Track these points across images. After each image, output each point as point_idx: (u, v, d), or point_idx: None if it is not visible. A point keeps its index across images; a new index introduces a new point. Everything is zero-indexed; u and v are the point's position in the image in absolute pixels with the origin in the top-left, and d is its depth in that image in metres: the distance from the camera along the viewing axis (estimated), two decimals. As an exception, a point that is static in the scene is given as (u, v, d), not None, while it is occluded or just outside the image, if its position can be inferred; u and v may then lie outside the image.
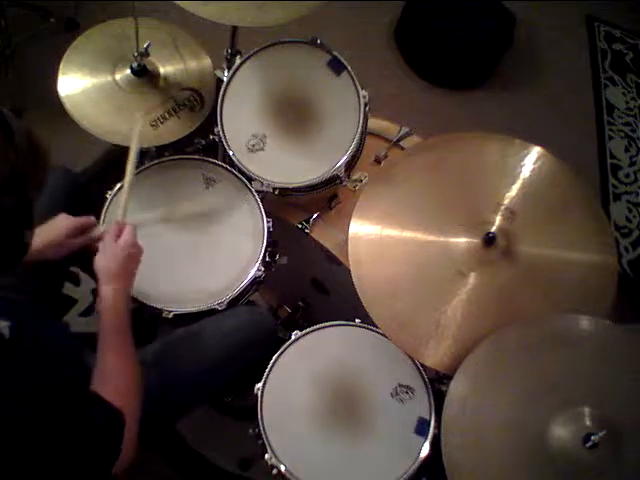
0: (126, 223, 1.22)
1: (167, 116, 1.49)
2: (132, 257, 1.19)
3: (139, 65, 1.46)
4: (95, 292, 1.21)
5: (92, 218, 1.27)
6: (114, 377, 1.05)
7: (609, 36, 2.91)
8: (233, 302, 1.37)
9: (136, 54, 1.44)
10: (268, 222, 1.42)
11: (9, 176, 0.82)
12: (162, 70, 1.52)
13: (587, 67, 2.80)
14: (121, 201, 1.27)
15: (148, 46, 1.43)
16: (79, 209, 1.40)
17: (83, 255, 1.26)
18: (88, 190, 1.49)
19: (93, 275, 1.17)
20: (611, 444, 1.02)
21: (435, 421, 1.24)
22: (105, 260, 1.16)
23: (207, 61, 1.58)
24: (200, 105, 1.52)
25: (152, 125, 1.47)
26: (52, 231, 1.21)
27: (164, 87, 1.51)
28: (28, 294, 1.26)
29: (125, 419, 0.99)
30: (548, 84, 2.69)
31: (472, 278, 1.20)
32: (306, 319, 1.78)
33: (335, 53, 1.45)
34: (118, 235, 1.19)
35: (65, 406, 0.89)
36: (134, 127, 1.35)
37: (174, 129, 1.49)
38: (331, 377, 1.29)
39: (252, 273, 1.38)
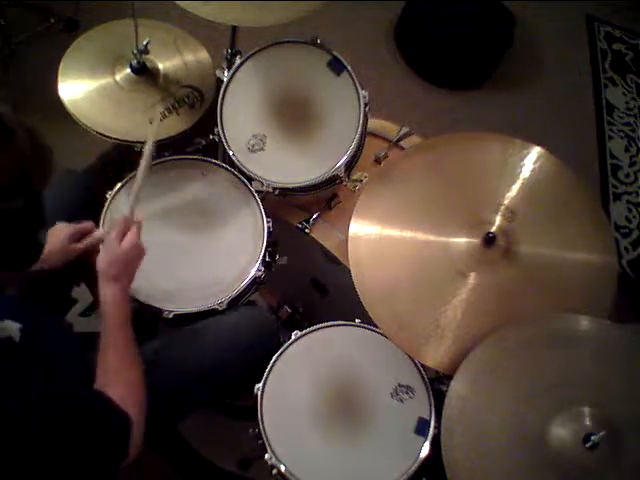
0: (133, 221, 1.19)
1: (167, 113, 1.49)
2: (134, 259, 1.17)
3: (138, 63, 1.46)
4: (95, 292, 1.21)
5: (90, 223, 1.27)
6: (118, 375, 1.05)
7: (609, 36, 2.91)
8: (233, 302, 1.37)
9: (135, 51, 1.44)
10: (268, 222, 1.42)
11: (16, 177, 0.83)
12: (162, 68, 1.52)
13: (587, 67, 2.80)
14: (131, 197, 1.23)
15: (147, 43, 1.43)
16: (83, 209, 1.40)
17: (84, 265, 1.26)
18: (91, 190, 1.49)
19: (89, 284, 1.17)
20: (611, 444, 1.02)
21: (435, 421, 1.24)
22: (107, 263, 1.14)
23: (207, 58, 1.58)
24: (200, 102, 1.52)
25: (151, 122, 1.46)
26: (53, 239, 1.22)
27: (164, 85, 1.51)
28: (36, 298, 1.26)
29: (131, 420, 0.99)
30: (548, 84, 2.69)
31: (472, 278, 1.20)
32: (306, 319, 1.78)
33: (335, 53, 1.45)
34: (123, 234, 1.16)
35: (71, 408, 0.89)
36: (152, 122, 1.36)
37: (173, 126, 1.49)
38: (331, 377, 1.30)
39: (252, 273, 1.38)
